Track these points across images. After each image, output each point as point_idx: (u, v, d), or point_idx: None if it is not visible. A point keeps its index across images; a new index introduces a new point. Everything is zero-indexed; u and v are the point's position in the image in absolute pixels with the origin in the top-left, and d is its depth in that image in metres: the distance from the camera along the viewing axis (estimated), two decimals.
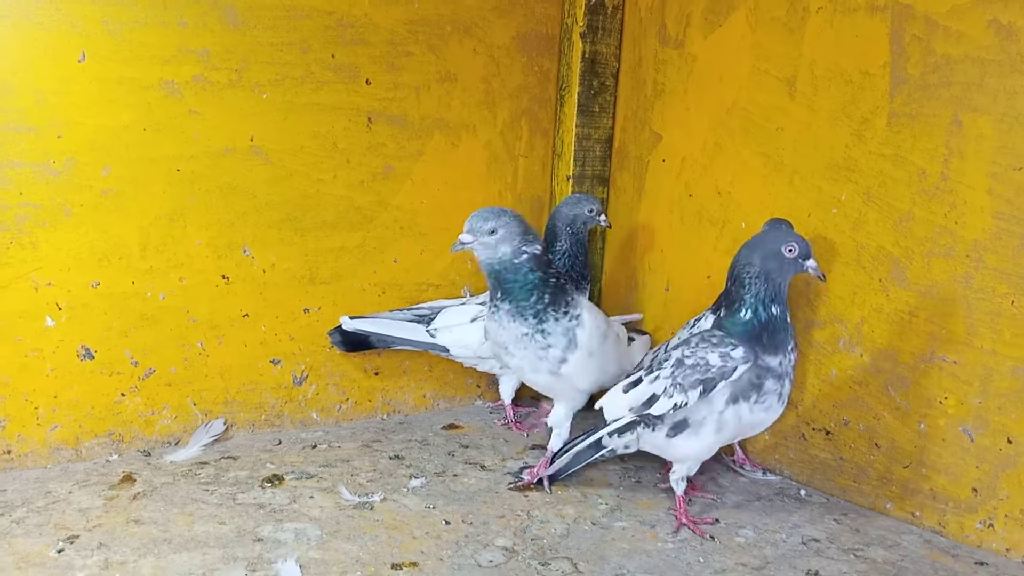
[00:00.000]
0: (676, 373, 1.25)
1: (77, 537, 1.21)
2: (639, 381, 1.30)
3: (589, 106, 1.85)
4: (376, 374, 1.76)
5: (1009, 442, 1.28)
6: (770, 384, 1.25)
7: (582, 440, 1.39)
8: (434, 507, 1.36)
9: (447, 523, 1.31)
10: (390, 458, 1.55)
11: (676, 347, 1.29)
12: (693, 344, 1.27)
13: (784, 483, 1.54)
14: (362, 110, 1.64)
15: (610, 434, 1.34)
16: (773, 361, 1.25)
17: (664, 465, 1.55)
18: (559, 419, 1.47)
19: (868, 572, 1.23)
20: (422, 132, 1.72)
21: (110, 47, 1.39)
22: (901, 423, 1.40)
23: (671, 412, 1.26)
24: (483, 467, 1.53)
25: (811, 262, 1.26)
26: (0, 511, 1.27)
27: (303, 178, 1.60)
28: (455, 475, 1.49)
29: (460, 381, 1.86)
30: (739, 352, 1.23)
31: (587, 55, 1.82)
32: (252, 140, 1.54)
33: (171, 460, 1.49)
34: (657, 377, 1.27)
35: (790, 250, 1.24)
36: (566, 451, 1.42)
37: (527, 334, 1.34)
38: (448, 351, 1.63)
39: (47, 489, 1.35)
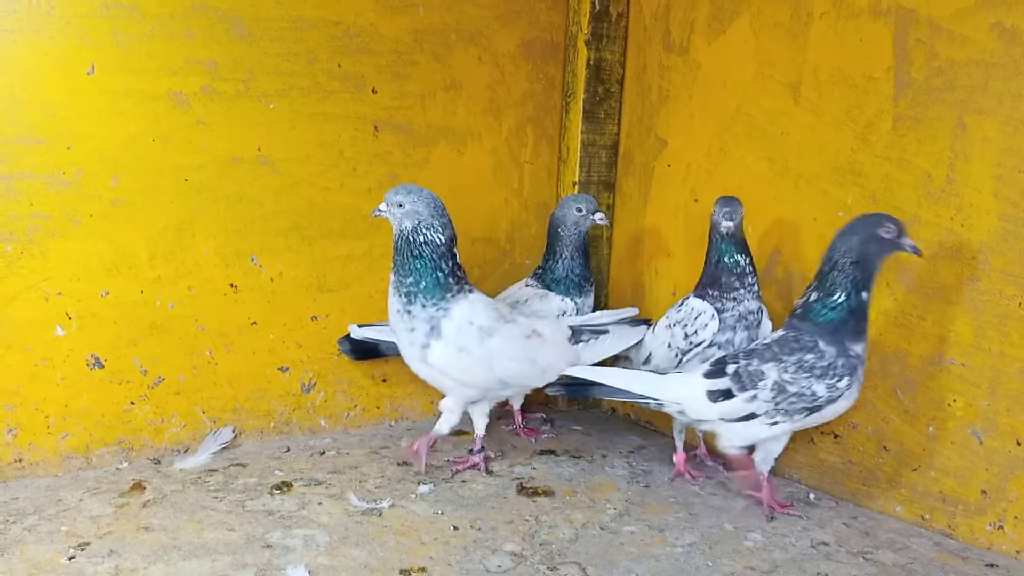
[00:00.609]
0: (779, 399, 1.29)
1: (88, 544, 1.21)
2: (728, 392, 1.31)
3: (594, 113, 1.86)
4: (384, 381, 1.76)
5: (1018, 444, 1.28)
6: (860, 372, 1.28)
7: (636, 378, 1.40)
8: (442, 513, 1.36)
9: (455, 529, 1.31)
10: (398, 464, 1.55)
11: (768, 362, 1.30)
12: (792, 365, 1.28)
13: (793, 487, 1.54)
14: (368, 119, 1.65)
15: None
16: (858, 347, 1.27)
17: (672, 472, 1.55)
18: (449, 405, 1.48)
19: (878, 575, 1.23)
20: (428, 140, 1.73)
21: (119, 59, 1.40)
22: (910, 426, 1.40)
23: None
24: (491, 473, 1.53)
25: (907, 239, 1.26)
26: (12, 519, 1.28)
27: (310, 187, 1.61)
28: (463, 481, 1.49)
29: None
30: (844, 383, 1.26)
31: (592, 62, 1.83)
32: (259, 150, 1.55)
33: (181, 468, 1.49)
34: (754, 398, 1.30)
35: (888, 231, 1.25)
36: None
37: (399, 311, 1.38)
38: None
39: (58, 497, 1.36)
